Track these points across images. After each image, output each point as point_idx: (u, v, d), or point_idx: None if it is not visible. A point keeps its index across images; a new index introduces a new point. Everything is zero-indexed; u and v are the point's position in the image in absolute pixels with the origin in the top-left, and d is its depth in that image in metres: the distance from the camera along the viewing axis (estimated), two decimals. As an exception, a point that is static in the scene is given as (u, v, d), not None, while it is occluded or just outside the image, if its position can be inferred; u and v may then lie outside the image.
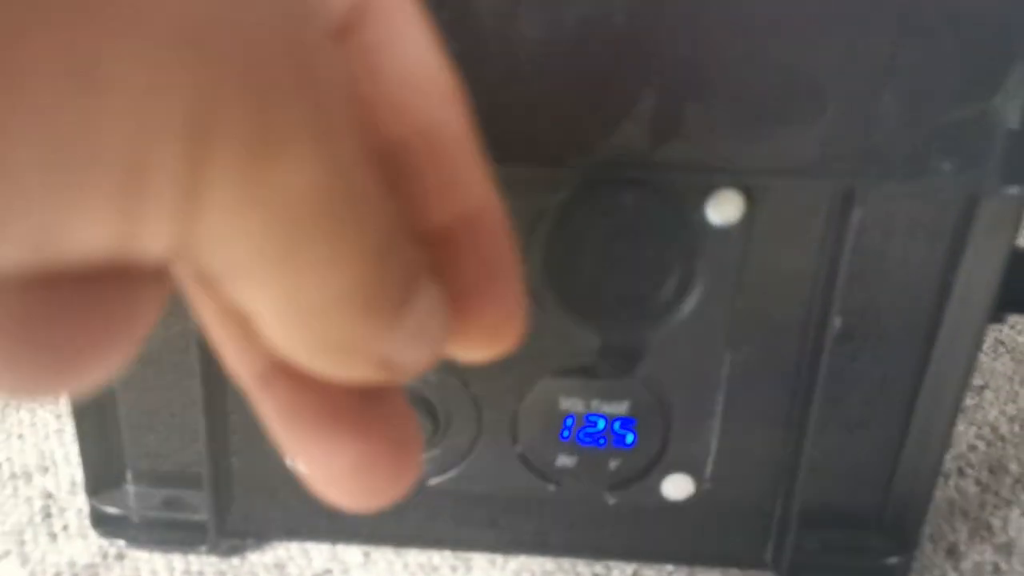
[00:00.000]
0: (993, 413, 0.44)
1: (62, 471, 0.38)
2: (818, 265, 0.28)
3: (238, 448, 0.32)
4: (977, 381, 0.46)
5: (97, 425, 0.33)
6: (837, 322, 0.29)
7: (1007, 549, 0.36)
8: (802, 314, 0.29)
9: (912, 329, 0.29)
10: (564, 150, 0.26)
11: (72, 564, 0.34)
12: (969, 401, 0.45)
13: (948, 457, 0.41)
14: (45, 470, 0.38)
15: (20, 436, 0.40)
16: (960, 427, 0.43)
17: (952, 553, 0.36)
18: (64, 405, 0.42)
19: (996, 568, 0.35)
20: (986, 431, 0.42)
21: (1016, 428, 0.43)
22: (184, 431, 0.33)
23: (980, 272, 0.28)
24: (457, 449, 0.32)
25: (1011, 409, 0.44)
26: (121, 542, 0.34)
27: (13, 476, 0.38)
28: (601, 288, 0.28)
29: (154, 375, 0.32)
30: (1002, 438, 0.42)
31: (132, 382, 0.32)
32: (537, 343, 0.24)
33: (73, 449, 0.39)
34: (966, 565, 0.35)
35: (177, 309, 0.18)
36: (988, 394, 0.45)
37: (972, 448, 0.41)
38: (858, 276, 0.28)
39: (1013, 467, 0.40)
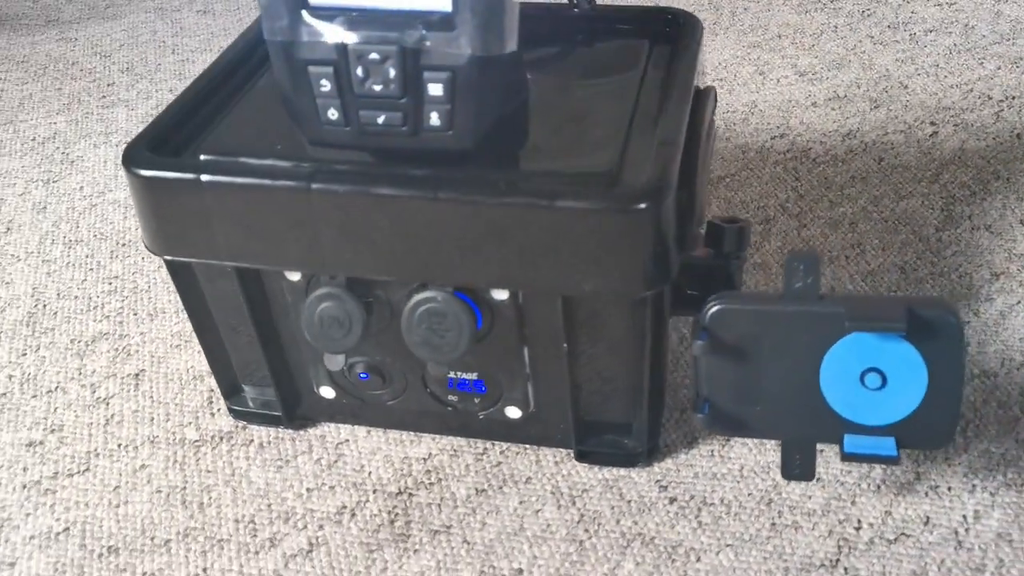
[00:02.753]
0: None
1: (217, 374, 0.69)
2: (553, 313, 0.54)
3: (294, 374, 0.62)
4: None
5: (219, 361, 0.63)
6: (565, 346, 0.54)
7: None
8: (554, 335, 0.55)
9: (625, 338, 0.55)
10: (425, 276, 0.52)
11: (221, 430, 0.65)
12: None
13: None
14: (209, 374, 0.70)
15: (199, 352, 0.72)
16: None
17: (690, 444, 0.62)
18: (218, 332, 0.73)
19: (713, 461, 0.61)
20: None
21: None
22: (260, 358, 0.62)
23: (654, 314, 0.53)
24: (398, 390, 0.60)
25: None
26: (244, 422, 0.65)
27: (194, 377, 0.70)
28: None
29: (232, 317, 0.60)
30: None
31: (225, 321, 0.60)
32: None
33: (223, 360, 0.70)
34: (687, 426, 0.61)
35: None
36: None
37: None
38: (578, 323, 0.54)
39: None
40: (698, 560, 0.55)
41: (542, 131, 0.53)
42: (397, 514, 0.59)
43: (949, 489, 0.57)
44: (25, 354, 0.72)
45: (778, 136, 0.95)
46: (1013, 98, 0.99)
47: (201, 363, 0.70)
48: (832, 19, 1.16)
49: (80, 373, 0.70)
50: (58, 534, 0.59)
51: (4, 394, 0.69)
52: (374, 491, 0.60)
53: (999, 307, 0.72)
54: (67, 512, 0.60)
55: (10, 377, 0.70)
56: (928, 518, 0.56)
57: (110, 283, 0.79)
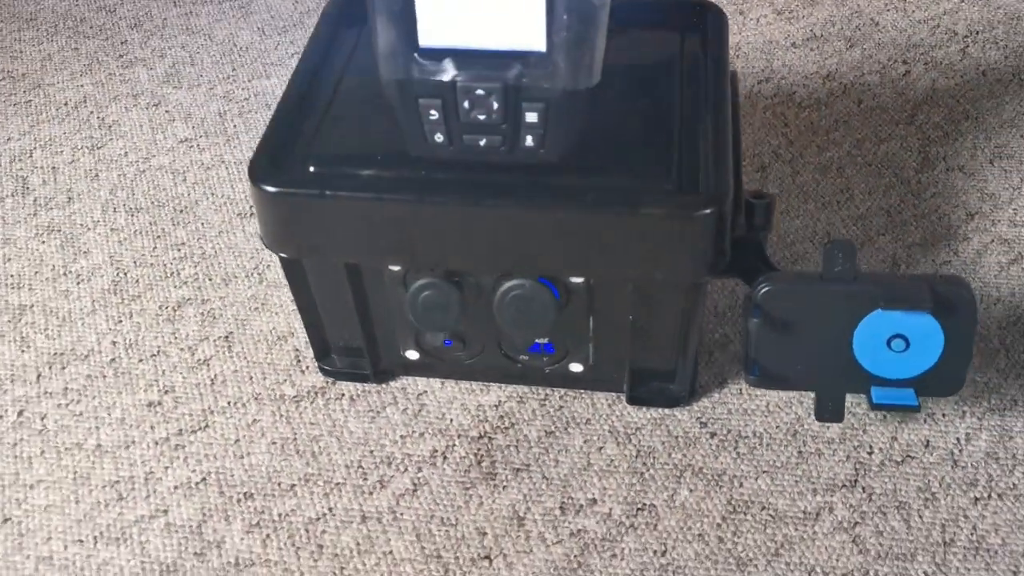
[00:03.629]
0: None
1: (300, 336, 0.78)
2: (621, 294, 0.63)
3: (380, 340, 0.71)
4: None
5: (315, 331, 0.72)
6: (630, 319, 0.64)
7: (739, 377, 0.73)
8: (622, 312, 0.65)
9: (676, 307, 0.65)
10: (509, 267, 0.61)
11: (314, 386, 0.75)
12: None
13: (729, 329, 0.76)
14: (292, 335, 0.79)
15: (276, 313, 0.81)
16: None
17: (721, 384, 0.73)
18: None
19: (742, 398, 0.72)
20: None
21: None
22: (354, 327, 0.71)
23: (698, 295, 0.63)
24: (475, 352, 0.70)
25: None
26: (332, 379, 0.75)
27: (278, 338, 0.79)
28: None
29: (332, 298, 0.69)
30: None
31: (324, 301, 0.70)
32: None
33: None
34: (717, 367, 0.72)
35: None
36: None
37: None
38: (638, 301, 0.64)
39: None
40: (741, 486, 0.67)
41: (611, 140, 0.61)
42: (482, 456, 0.69)
43: (943, 415, 0.69)
44: (121, 321, 0.80)
45: (764, 80, 1.04)
46: (977, 32, 1.08)
47: (282, 325, 0.79)
48: (805, -46, 1.23)
49: (175, 337, 0.79)
50: (197, 483, 0.69)
51: (113, 359, 0.77)
52: (458, 436, 0.71)
53: (975, 246, 0.83)
54: (199, 464, 0.70)
55: (114, 343, 0.79)
56: (928, 441, 0.68)
57: (178, 250, 0.87)
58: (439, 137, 0.57)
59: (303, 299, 0.69)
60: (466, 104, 0.55)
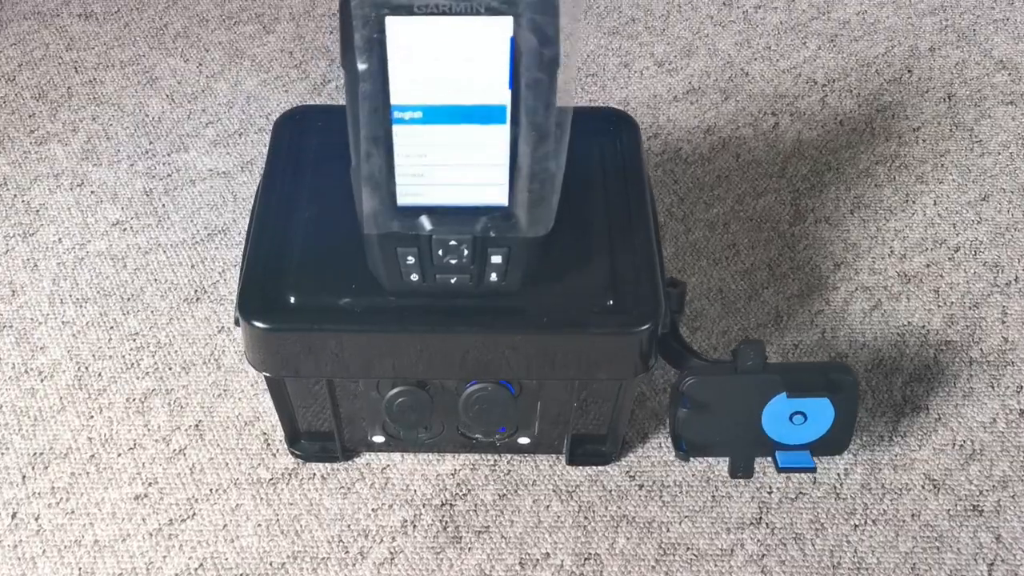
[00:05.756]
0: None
1: (265, 420, 0.91)
2: (569, 388, 0.78)
3: (347, 428, 0.84)
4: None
5: (286, 414, 0.85)
6: (575, 405, 0.80)
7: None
8: (567, 399, 0.80)
9: (609, 390, 0.80)
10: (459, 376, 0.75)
11: (287, 467, 0.88)
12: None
13: (646, 388, 0.93)
14: (257, 419, 0.91)
15: (239, 399, 0.93)
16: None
17: (643, 439, 0.89)
18: (259, 383, 0.94)
19: (661, 451, 0.89)
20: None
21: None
22: (323, 417, 0.84)
23: (632, 383, 0.79)
24: (435, 434, 0.84)
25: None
26: (301, 460, 0.88)
27: (246, 423, 0.91)
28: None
29: (308, 399, 0.82)
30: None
31: (300, 401, 0.83)
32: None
33: (266, 407, 0.92)
34: (639, 424, 0.89)
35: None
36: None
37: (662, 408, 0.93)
38: (581, 392, 0.79)
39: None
40: (668, 530, 0.83)
41: (556, 268, 0.74)
42: (447, 522, 0.84)
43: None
44: (92, 416, 0.91)
45: (652, 136, 1.20)
46: (833, 81, 1.27)
47: (246, 410, 0.91)
48: (675, -2, 1.39)
49: (148, 429, 0.90)
50: (195, 570, 0.81)
51: (93, 456, 0.88)
52: (423, 505, 0.85)
53: (842, 295, 1.02)
54: (194, 551, 0.82)
55: (90, 439, 0.89)
56: (815, 479, 0.86)
57: (134, 340, 0.97)
58: (414, 277, 0.70)
59: (281, 401, 0.81)
60: (440, 252, 0.68)
